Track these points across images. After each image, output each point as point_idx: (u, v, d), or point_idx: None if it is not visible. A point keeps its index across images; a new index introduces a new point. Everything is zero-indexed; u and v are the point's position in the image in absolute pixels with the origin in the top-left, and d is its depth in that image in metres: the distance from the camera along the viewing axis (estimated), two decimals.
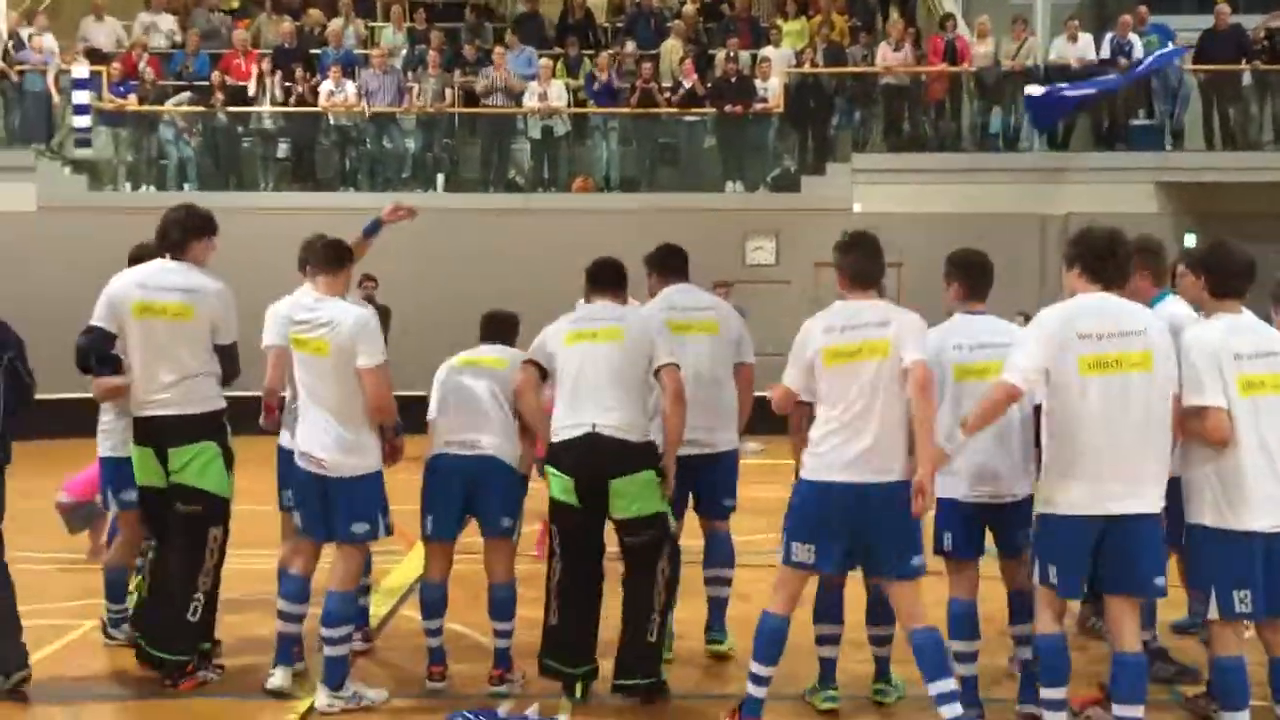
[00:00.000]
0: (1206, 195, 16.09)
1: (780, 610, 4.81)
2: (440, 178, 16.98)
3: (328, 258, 5.57)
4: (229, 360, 5.59)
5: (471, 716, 5.14)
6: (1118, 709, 4.50)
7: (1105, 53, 16.23)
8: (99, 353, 5.51)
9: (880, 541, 4.68)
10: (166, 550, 5.55)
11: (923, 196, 16.20)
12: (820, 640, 5.30)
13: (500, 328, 6.05)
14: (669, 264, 6.16)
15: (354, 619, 5.55)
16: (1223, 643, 4.56)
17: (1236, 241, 5.08)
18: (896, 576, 4.74)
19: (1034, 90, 15.27)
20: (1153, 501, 4.48)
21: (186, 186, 16.88)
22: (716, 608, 6.00)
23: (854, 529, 4.66)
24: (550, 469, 5.39)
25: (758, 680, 4.81)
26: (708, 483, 5.82)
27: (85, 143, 16.65)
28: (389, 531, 5.48)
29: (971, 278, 5.29)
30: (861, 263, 4.99)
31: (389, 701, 5.41)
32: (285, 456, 5.61)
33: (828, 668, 5.32)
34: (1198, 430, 4.53)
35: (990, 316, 5.28)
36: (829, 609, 5.24)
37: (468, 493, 5.58)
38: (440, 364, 5.88)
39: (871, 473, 4.63)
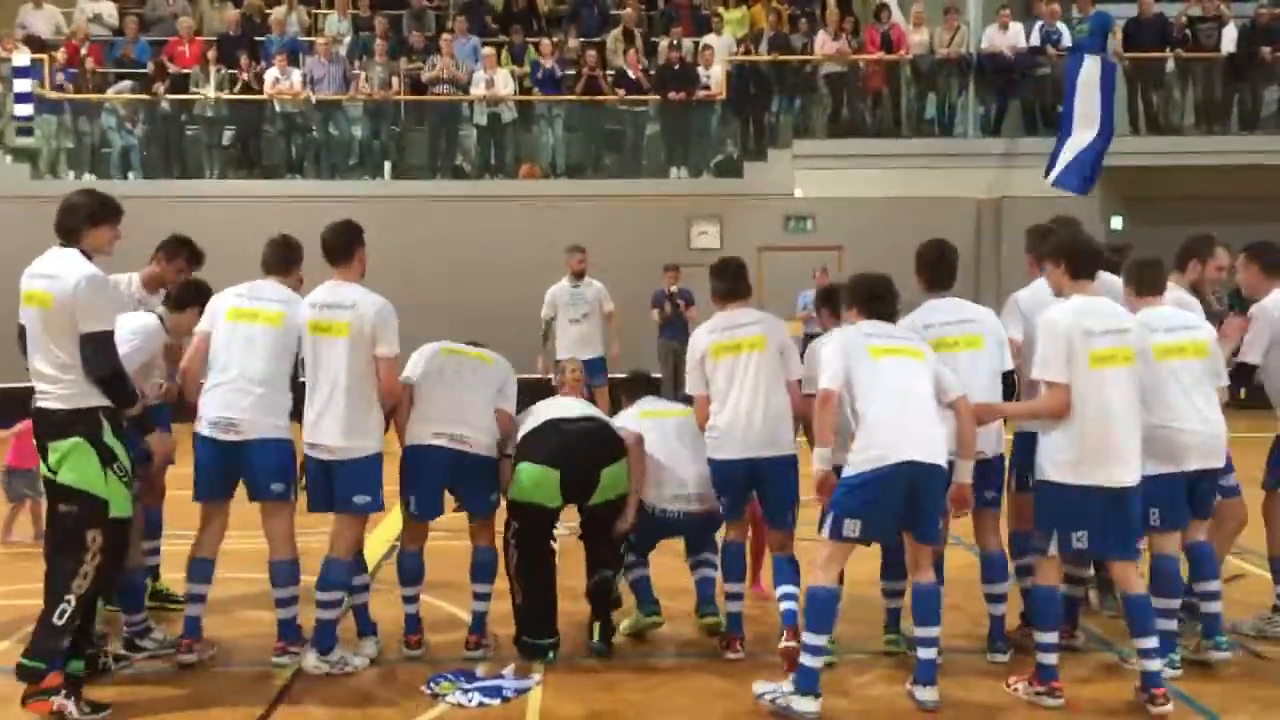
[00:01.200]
0: (1132, 179, 16.66)
1: (831, 582, 5.11)
2: (387, 165, 17.08)
3: (336, 247, 5.82)
4: (91, 352, 5.03)
5: (451, 678, 5.41)
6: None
7: (1035, 40, 16.70)
8: (22, 346, 5.24)
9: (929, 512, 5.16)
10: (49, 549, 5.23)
11: (862, 181, 16.61)
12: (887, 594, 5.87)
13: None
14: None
15: (348, 586, 5.71)
16: (1046, 575, 5.22)
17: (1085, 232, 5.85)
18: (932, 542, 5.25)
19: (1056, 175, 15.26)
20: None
21: (130, 175, 16.85)
22: (706, 586, 6.26)
23: (908, 502, 5.07)
24: (526, 464, 5.72)
25: (816, 651, 5.05)
26: None
27: (27, 131, 16.57)
28: (381, 507, 5.69)
29: (929, 269, 5.75)
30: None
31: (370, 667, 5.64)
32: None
33: (891, 616, 5.87)
34: (1046, 401, 5.08)
35: (953, 299, 5.71)
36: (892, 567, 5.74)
37: (452, 479, 5.85)
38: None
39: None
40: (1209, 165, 16.58)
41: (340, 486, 5.57)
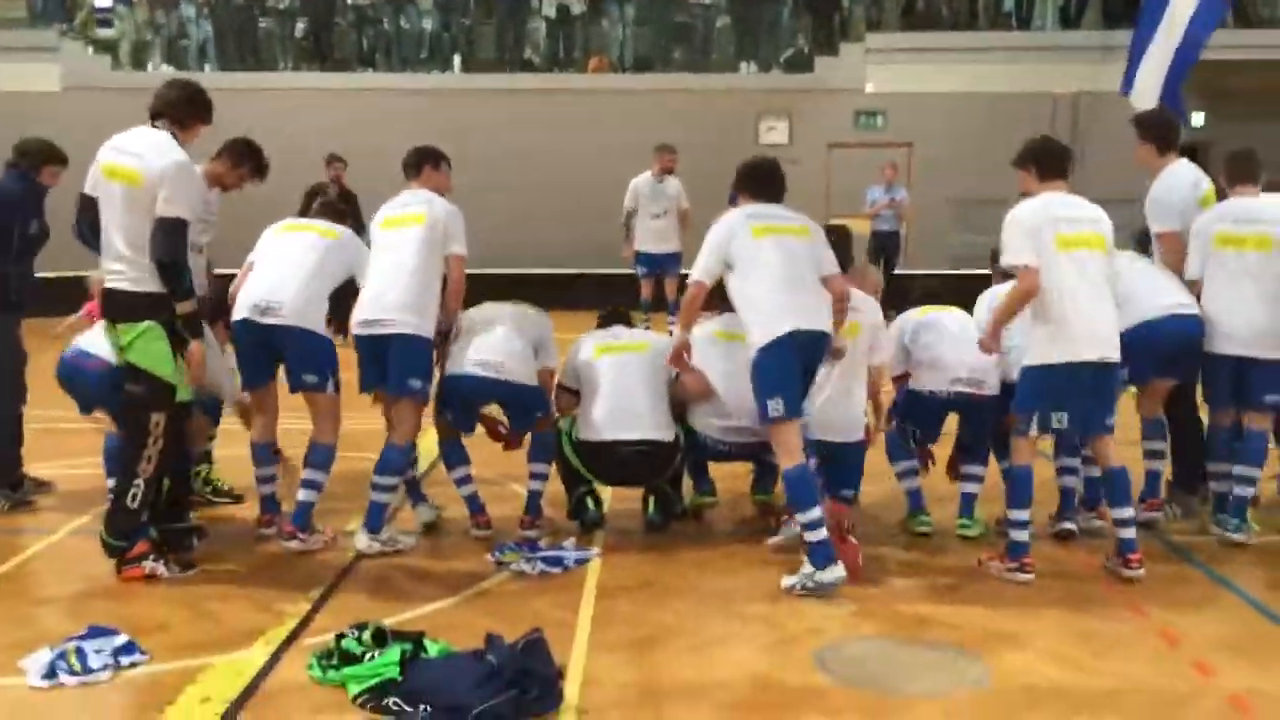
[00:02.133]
0: (1215, 72, 16.16)
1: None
2: (457, 58, 17.16)
3: (407, 165, 6.08)
4: (163, 235, 5.08)
5: (515, 548, 5.70)
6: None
7: None
8: (88, 220, 5.29)
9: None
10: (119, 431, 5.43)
11: (935, 76, 16.37)
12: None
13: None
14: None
15: (404, 471, 5.99)
16: (1021, 454, 5.44)
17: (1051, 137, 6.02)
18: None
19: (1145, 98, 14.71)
20: None
21: (206, 66, 17.13)
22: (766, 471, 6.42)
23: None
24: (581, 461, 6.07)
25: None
26: None
27: (107, 23, 16.85)
28: (427, 398, 5.86)
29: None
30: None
31: (416, 545, 5.91)
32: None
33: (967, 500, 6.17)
34: (1017, 287, 5.32)
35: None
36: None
37: (493, 401, 6.13)
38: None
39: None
40: None
41: (395, 369, 5.67)
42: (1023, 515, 5.40)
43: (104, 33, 16.98)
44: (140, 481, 5.23)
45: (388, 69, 17.05)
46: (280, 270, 5.74)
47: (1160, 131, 6.32)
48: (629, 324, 6.61)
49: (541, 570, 5.51)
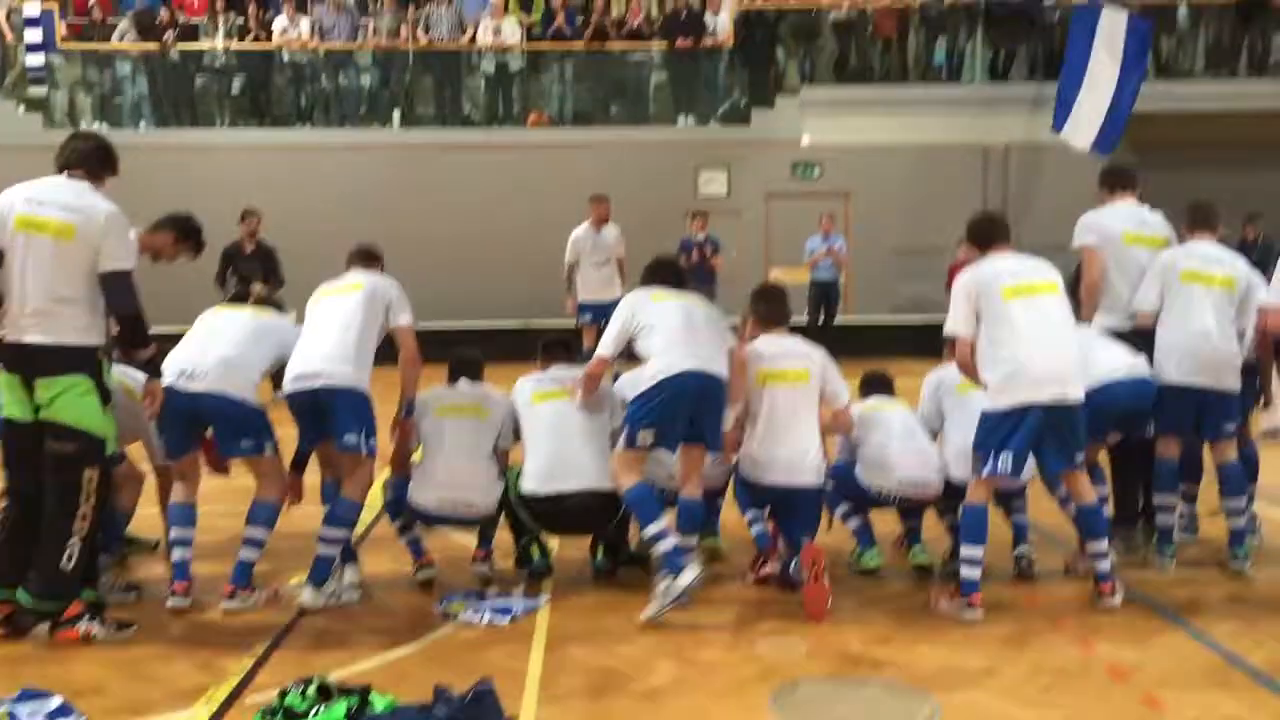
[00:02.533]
0: (1142, 124, 16.62)
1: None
2: (396, 113, 17.17)
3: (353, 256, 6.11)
4: (119, 290, 5.08)
5: (461, 597, 5.62)
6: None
7: None
8: None
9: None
10: (38, 497, 5.16)
11: (869, 128, 16.65)
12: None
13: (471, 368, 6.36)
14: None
15: (353, 525, 5.89)
16: (977, 493, 5.55)
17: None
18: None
19: (1080, 137, 15.17)
20: None
21: (141, 124, 17.00)
22: (711, 512, 6.47)
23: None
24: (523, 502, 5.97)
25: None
26: None
27: (39, 81, 16.68)
28: (374, 453, 5.71)
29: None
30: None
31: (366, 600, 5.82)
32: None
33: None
34: (955, 355, 5.62)
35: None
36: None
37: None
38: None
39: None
40: (1218, 110, 16.55)
41: (338, 423, 5.58)
42: (976, 552, 5.44)
43: (36, 91, 16.79)
44: (75, 540, 5.08)
45: (326, 124, 17.00)
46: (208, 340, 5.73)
47: (1103, 177, 6.72)
48: (571, 358, 6.55)
49: (489, 620, 5.43)
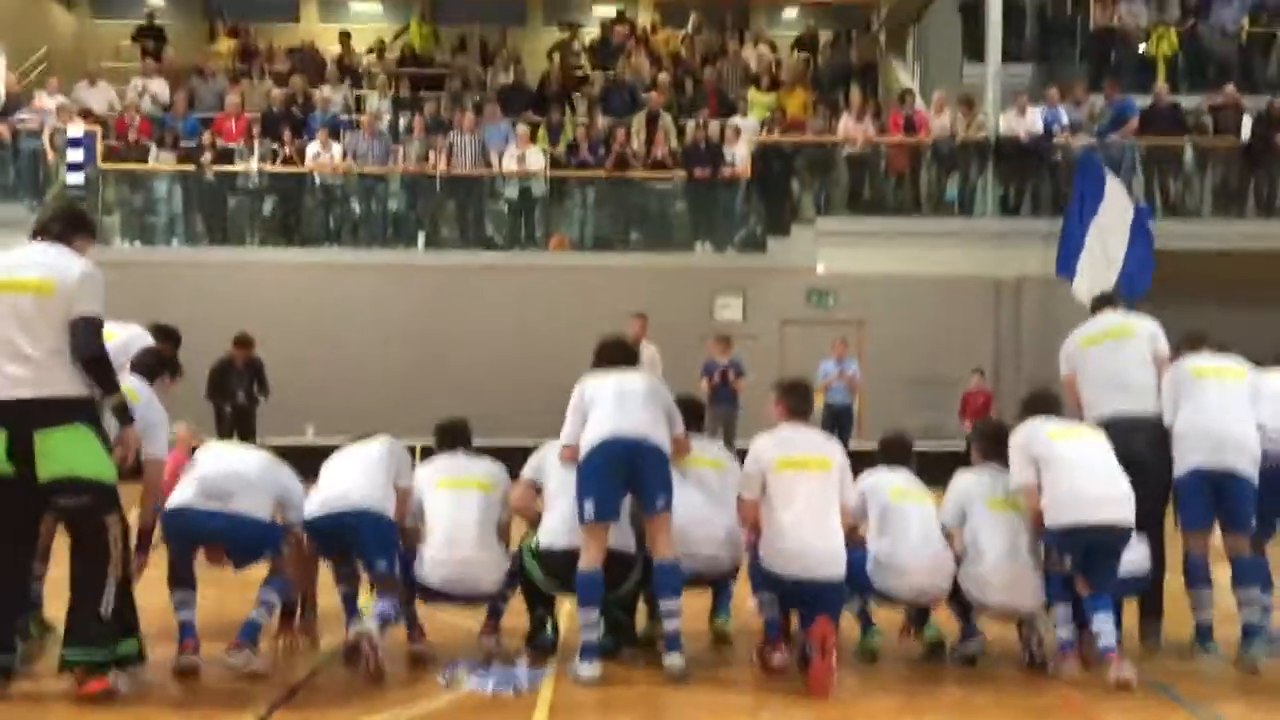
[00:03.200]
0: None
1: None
2: (421, 236, 17.61)
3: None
4: (87, 333, 5.13)
5: (465, 668, 5.63)
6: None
7: (1038, 127, 17.09)
8: None
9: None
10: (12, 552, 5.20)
11: (883, 258, 16.96)
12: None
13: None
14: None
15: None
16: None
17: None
18: None
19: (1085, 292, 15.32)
20: None
21: (174, 242, 17.48)
22: (722, 594, 6.51)
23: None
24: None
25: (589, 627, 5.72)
26: None
27: (78, 199, 17.18)
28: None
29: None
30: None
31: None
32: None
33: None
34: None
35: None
36: None
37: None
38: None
39: None
40: (1225, 249, 16.84)
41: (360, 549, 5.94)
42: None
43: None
44: (110, 587, 5.09)
45: (353, 245, 17.43)
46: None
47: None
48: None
49: (494, 689, 5.44)
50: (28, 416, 5.05)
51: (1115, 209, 15.36)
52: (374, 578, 5.88)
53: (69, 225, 5.45)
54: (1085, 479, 5.80)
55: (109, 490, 5.17)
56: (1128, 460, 5.98)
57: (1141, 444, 6.23)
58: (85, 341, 5.13)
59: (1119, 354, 6.57)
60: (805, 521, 5.76)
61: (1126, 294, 15.10)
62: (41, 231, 5.41)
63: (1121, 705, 5.36)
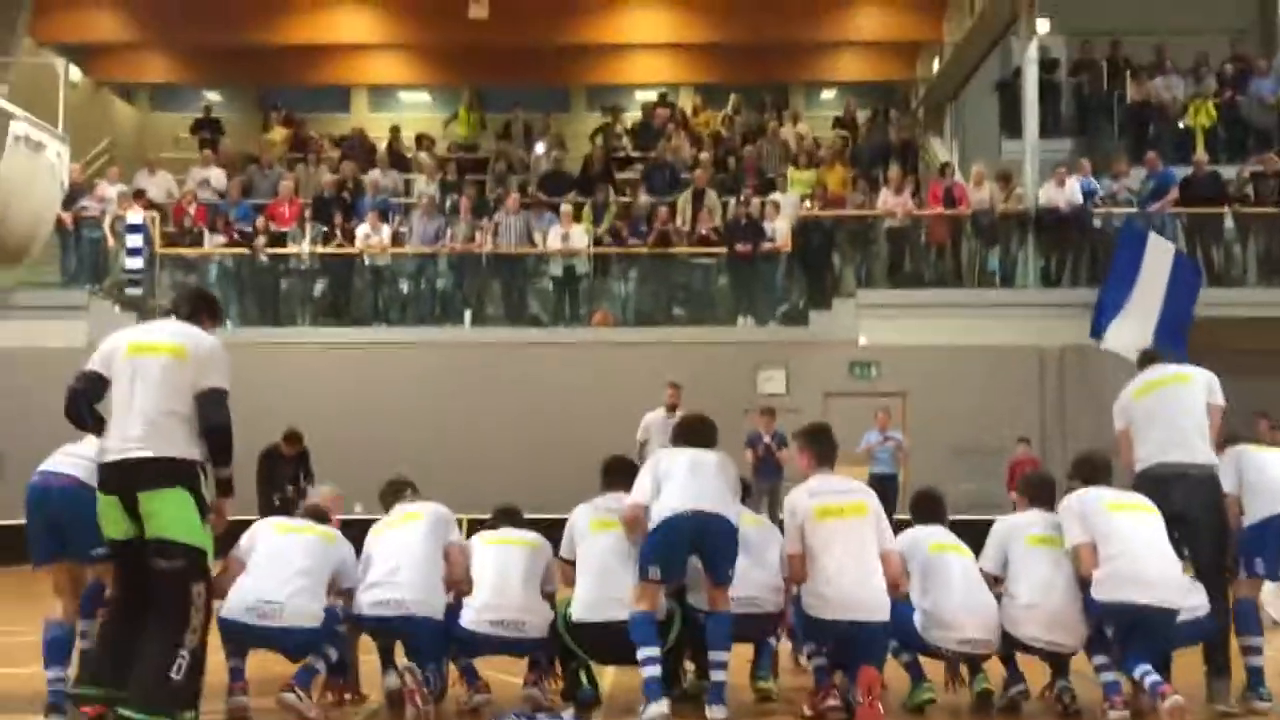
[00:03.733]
0: (1194, 330, 16.85)
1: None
2: (467, 314, 17.91)
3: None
4: (214, 404, 5.33)
5: (515, 716, 5.71)
6: None
7: (1078, 197, 17.21)
8: (88, 399, 5.31)
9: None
10: (141, 608, 5.27)
11: (925, 330, 17.02)
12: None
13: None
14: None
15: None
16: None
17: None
18: None
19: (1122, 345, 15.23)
20: None
21: (229, 324, 17.88)
22: (764, 653, 6.59)
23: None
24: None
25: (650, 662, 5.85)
26: None
27: (136, 283, 17.70)
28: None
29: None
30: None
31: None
32: None
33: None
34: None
35: None
36: None
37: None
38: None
39: None
40: (1270, 317, 16.76)
41: (409, 648, 6.15)
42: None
43: (132, 292, 17.81)
44: (185, 653, 5.11)
45: (401, 323, 17.77)
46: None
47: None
48: (628, 485, 6.73)
49: None
50: (137, 476, 5.20)
51: (1156, 265, 15.47)
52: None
53: (197, 306, 5.74)
54: (1142, 559, 5.84)
55: (200, 556, 5.25)
56: (1177, 513, 6.03)
57: (1192, 496, 6.22)
58: (213, 411, 5.31)
59: (1171, 403, 6.51)
60: (846, 567, 5.85)
61: (1164, 344, 15.25)
62: (173, 311, 5.74)
63: None
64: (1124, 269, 15.90)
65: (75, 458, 5.79)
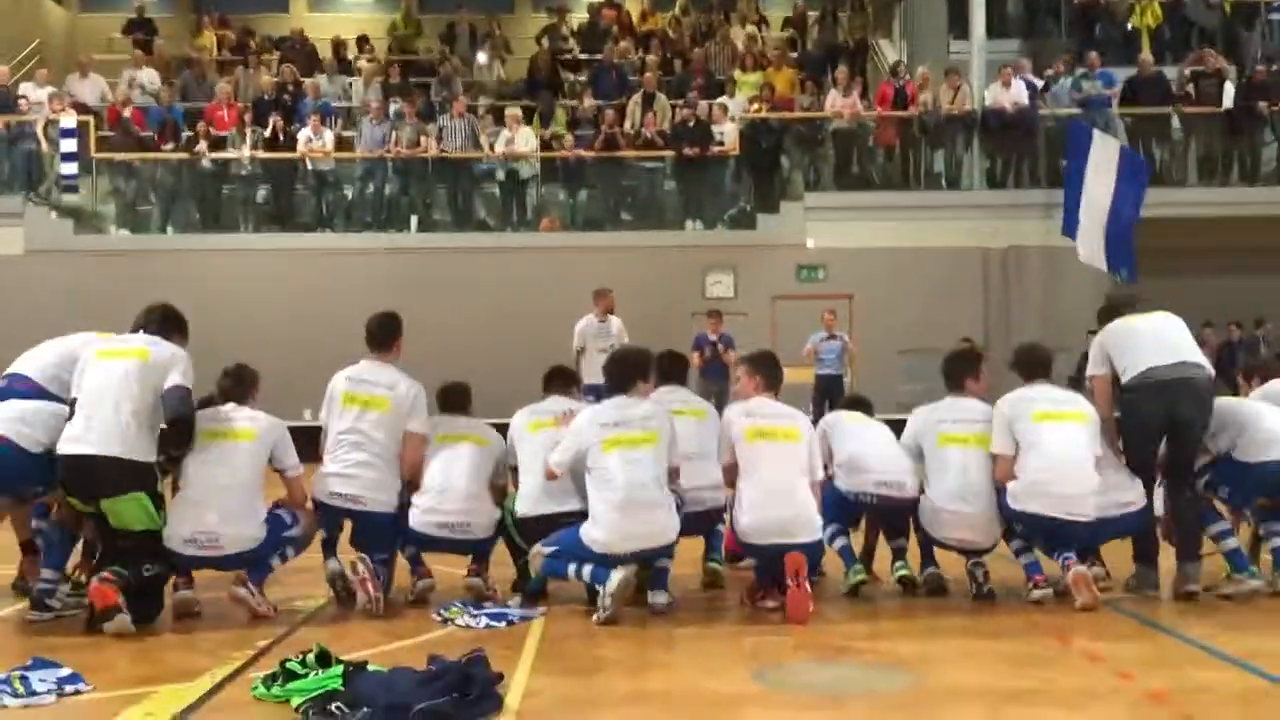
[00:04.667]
0: (1138, 230, 17.06)
1: None
2: (414, 219, 17.72)
3: (378, 337, 6.51)
4: (179, 399, 5.77)
5: (459, 605, 5.80)
6: None
7: (1024, 98, 17.25)
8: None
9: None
10: None
11: (872, 232, 17.08)
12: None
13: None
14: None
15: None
16: None
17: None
18: None
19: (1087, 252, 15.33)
20: None
21: (169, 229, 17.59)
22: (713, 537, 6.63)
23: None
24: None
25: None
26: None
27: (72, 189, 17.31)
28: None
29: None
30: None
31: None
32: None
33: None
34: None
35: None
36: None
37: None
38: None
39: None
40: (1210, 216, 16.99)
41: (360, 539, 6.11)
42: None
43: (69, 198, 17.44)
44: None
45: (346, 230, 17.55)
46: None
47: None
48: (568, 390, 6.88)
49: (486, 625, 5.60)
50: (99, 482, 5.60)
51: (1103, 163, 15.57)
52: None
53: (166, 324, 6.03)
54: (1059, 473, 5.93)
55: (155, 536, 5.72)
56: (1182, 419, 6.14)
57: (1191, 403, 6.20)
58: (177, 404, 5.74)
59: (1168, 328, 6.45)
60: (773, 493, 5.91)
61: (1114, 270, 15.49)
62: (141, 327, 5.99)
63: (1090, 622, 5.52)
64: (1076, 169, 16.00)
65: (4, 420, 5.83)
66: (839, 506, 6.33)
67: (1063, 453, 5.97)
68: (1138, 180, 15.68)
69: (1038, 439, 6.01)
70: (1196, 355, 6.35)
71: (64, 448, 5.62)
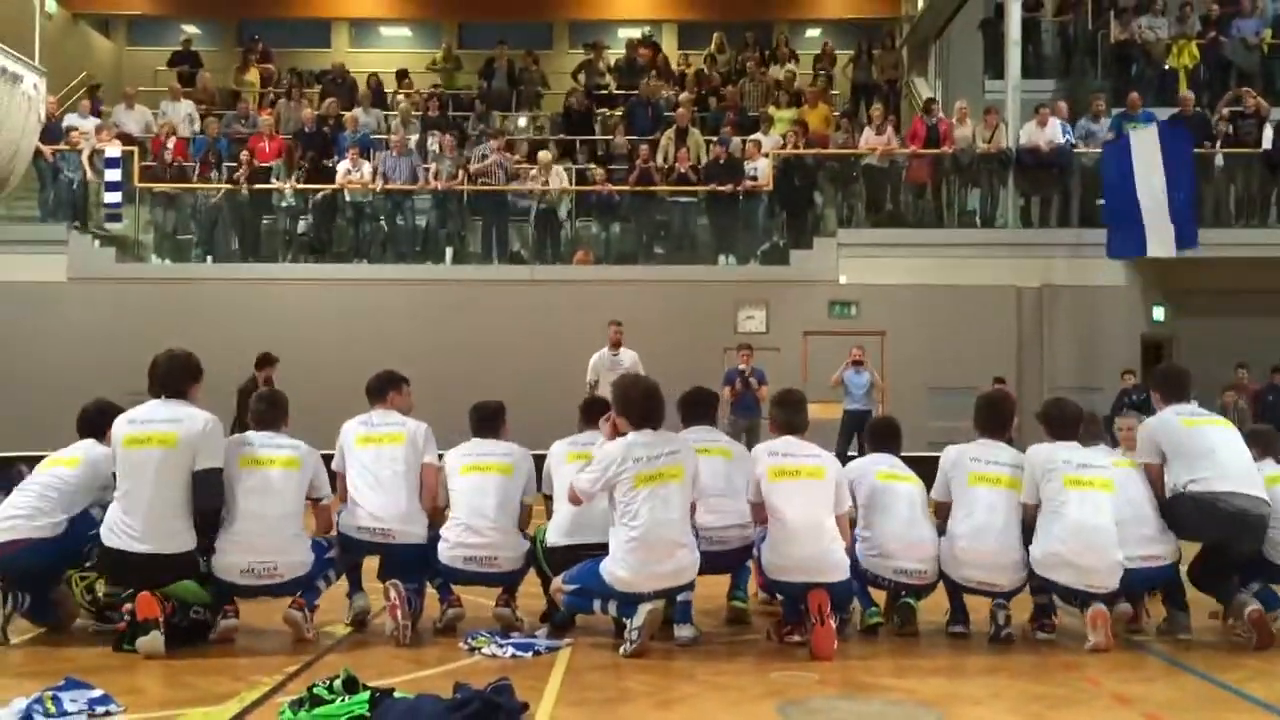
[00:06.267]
0: (1174, 269, 16.96)
1: None
2: (449, 251, 17.88)
3: (372, 390, 6.69)
4: (207, 485, 5.79)
5: (487, 634, 5.83)
6: None
7: (1059, 137, 17.24)
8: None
9: None
10: None
11: (905, 269, 17.07)
12: None
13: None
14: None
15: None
16: None
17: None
18: None
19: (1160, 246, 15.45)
20: None
21: (209, 259, 17.82)
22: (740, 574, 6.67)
23: None
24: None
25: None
26: None
27: (116, 218, 17.59)
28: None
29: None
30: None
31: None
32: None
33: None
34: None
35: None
36: None
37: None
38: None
39: None
40: (1249, 257, 16.85)
41: (388, 570, 6.15)
42: None
43: (112, 227, 17.71)
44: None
45: (383, 261, 17.71)
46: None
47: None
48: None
49: (512, 654, 5.62)
50: (144, 577, 5.63)
51: (1146, 156, 15.62)
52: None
53: (179, 378, 5.95)
54: (1084, 544, 5.89)
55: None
56: (1231, 546, 6.14)
57: (1250, 538, 6.13)
58: (207, 493, 5.76)
59: (1235, 446, 6.30)
60: (799, 532, 5.90)
61: (1187, 247, 15.49)
62: (160, 390, 5.93)
63: (1121, 663, 5.48)
64: (1117, 182, 16.07)
65: (16, 519, 5.89)
66: (855, 573, 6.24)
67: (1088, 525, 5.92)
68: (1182, 149, 15.67)
69: (1063, 505, 5.96)
70: (1259, 484, 6.18)
71: (107, 539, 5.71)
